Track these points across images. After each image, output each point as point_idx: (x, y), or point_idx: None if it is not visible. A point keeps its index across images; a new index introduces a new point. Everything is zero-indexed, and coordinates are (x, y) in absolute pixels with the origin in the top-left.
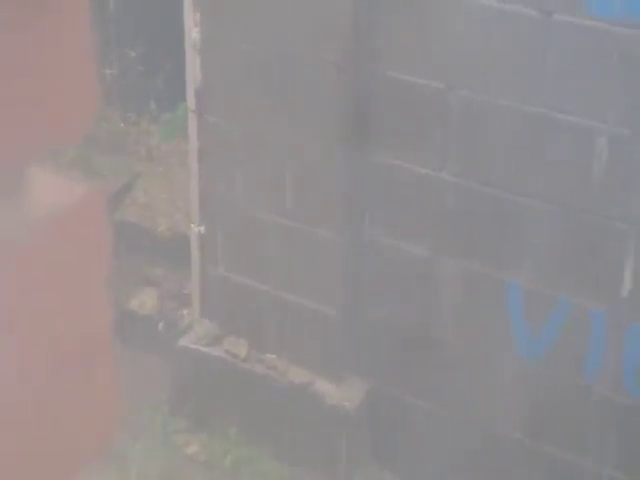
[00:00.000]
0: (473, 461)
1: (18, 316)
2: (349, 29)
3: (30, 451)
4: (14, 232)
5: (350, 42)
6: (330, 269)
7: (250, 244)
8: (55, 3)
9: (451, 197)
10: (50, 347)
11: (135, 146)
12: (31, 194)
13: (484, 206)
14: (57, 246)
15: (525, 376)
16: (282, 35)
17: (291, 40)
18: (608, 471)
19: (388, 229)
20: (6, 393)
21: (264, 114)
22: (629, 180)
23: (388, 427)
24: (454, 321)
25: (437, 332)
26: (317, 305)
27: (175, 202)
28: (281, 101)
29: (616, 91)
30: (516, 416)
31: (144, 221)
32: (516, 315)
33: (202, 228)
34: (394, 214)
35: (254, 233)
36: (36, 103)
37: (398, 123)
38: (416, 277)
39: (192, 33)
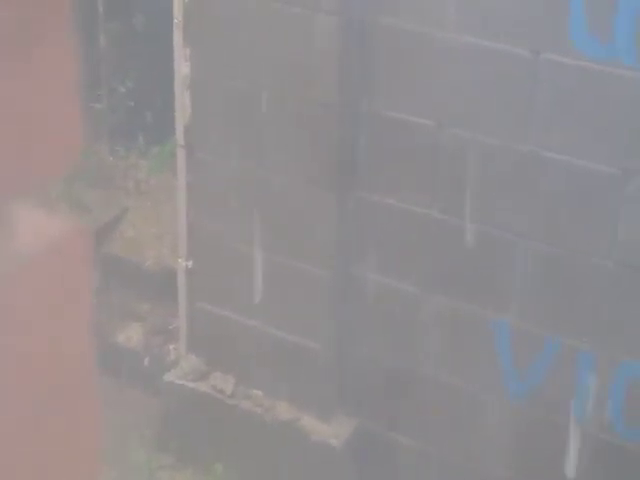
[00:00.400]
0: None
1: (0, 352)
2: (336, 68)
3: None
4: None
5: (337, 80)
6: (317, 305)
7: (237, 279)
8: (39, 39)
9: (439, 234)
10: (32, 383)
11: (123, 180)
12: (15, 230)
13: (472, 244)
14: (41, 281)
15: (513, 415)
16: (271, 73)
17: (279, 78)
18: None
19: (376, 266)
20: None
21: (252, 150)
22: (618, 217)
23: (375, 464)
24: (441, 359)
25: (424, 369)
26: (304, 341)
27: (163, 237)
28: (269, 138)
29: (603, 130)
30: (503, 456)
31: (131, 255)
32: (503, 354)
33: (189, 263)
34: (382, 251)
35: (241, 268)
36: (20, 139)
37: (386, 160)
38: (403, 314)
39: (182, 68)
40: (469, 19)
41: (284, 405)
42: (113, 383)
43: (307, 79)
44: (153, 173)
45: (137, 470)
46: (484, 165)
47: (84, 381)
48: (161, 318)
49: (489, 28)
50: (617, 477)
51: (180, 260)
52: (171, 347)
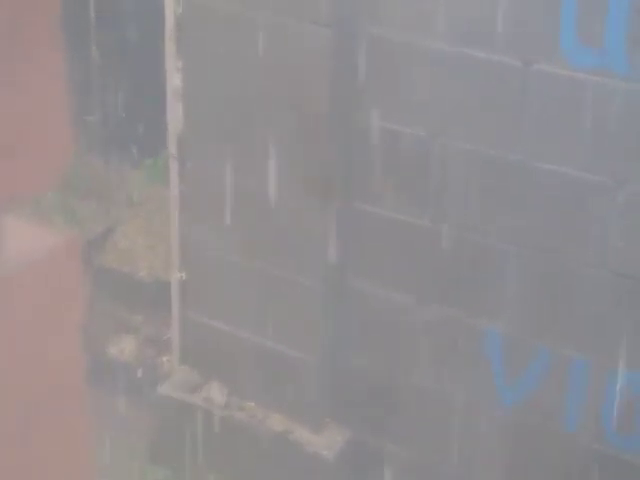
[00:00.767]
0: None
1: None
2: (327, 78)
3: None
4: None
5: (328, 91)
6: (310, 316)
7: (230, 291)
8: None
9: (431, 244)
10: (22, 397)
11: (116, 192)
12: (5, 240)
13: (464, 253)
14: (30, 294)
15: (505, 424)
16: (262, 84)
17: (271, 89)
18: None
19: (368, 276)
20: None
21: (244, 161)
22: (610, 226)
23: (368, 476)
24: (434, 368)
25: (416, 379)
26: (297, 352)
27: (156, 248)
28: (261, 149)
29: (595, 139)
30: (496, 465)
31: (124, 266)
32: (496, 363)
33: (183, 274)
34: (374, 261)
35: (235, 280)
36: (8, 152)
37: (378, 170)
38: (395, 324)
39: (174, 80)
40: (460, 29)
41: (277, 416)
42: (106, 395)
43: (298, 90)
44: (146, 184)
45: None
46: (476, 175)
47: (73, 390)
48: (154, 330)
49: (480, 38)
50: None
51: (173, 271)
52: (164, 359)
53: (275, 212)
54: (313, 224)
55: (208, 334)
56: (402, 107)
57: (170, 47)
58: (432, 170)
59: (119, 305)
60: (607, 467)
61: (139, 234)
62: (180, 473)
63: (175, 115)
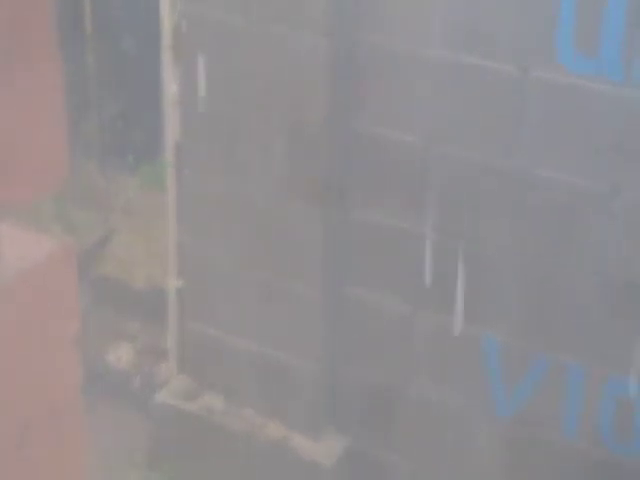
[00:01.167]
0: None
1: None
2: (323, 86)
3: None
4: None
5: (324, 98)
6: (308, 324)
7: (228, 299)
8: (25, 61)
9: (426, 251)
10: (17, 408)
11: (113, 200)
12: (2, 249)
13: (460, 261)
14: (24, 303)
15: (503, 432)
16: (258, 91)
17: (267, 96)
18: None
19: (364, 283)
20: None
21: (240, 168)
22: (606, 234)
23: None
24: (431, 377)
25: (414, 388)
26: (295, 360)
27: (153, 256)
28: (257, 156)
29: (592, 146)
30: (496, 473)
31: (121, 275)
32: (494, 370)
33: (180, 282)
34: (370, 268)
35: (232, 288)
36: (5, 161)
37: (374, 177)
38: (393, 332)
39: (171, 88)
40: (457, 37)
41: (275, 424)
42: (103, 403)
43: (295, 97)
44: (143, 192)
45: None
46: (472, 182)
47: (70, 405)
48: (151, 338)
49: (477, 45)
50: None
51: (170, 279)
52: (162, 367)
53: (270, 219)
54: (311, 233)
55: (205, 342)
56: (398, 114)
57: (167, 55)
58: (428, 177)
59: (116, 313)
60: (605, 473)
61: (136, 242)
62: None
63: (172, 123)
